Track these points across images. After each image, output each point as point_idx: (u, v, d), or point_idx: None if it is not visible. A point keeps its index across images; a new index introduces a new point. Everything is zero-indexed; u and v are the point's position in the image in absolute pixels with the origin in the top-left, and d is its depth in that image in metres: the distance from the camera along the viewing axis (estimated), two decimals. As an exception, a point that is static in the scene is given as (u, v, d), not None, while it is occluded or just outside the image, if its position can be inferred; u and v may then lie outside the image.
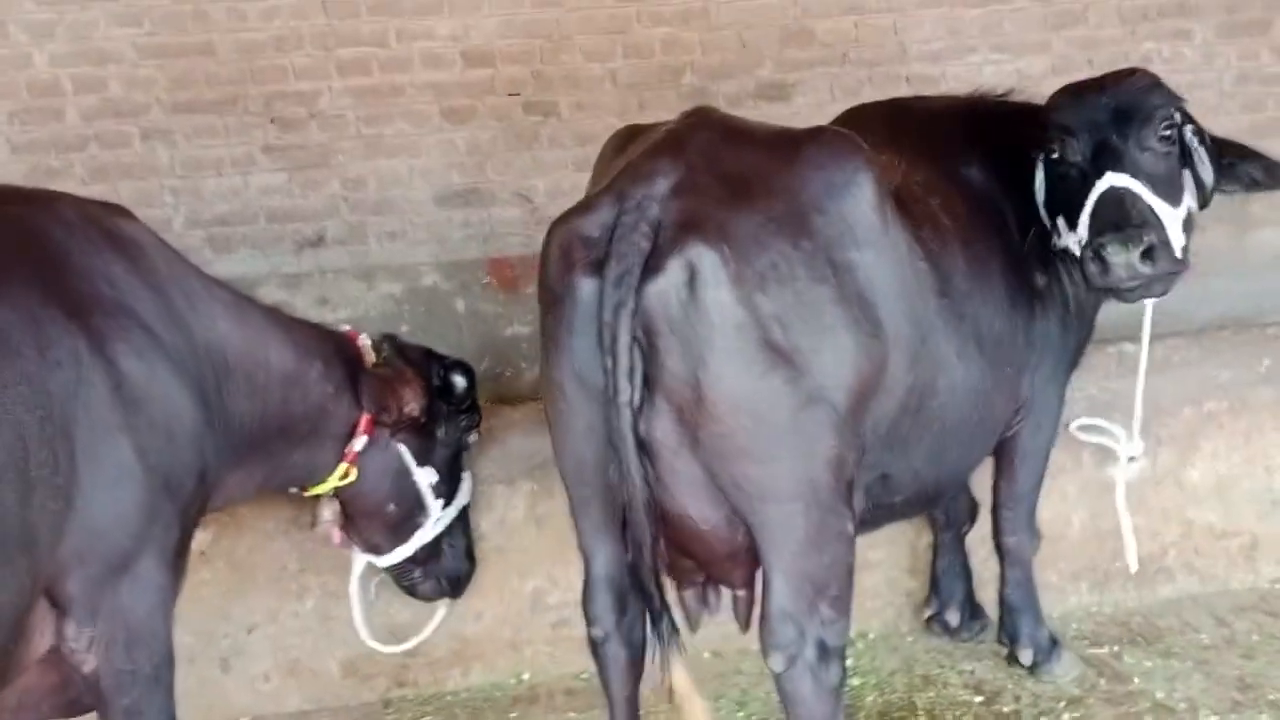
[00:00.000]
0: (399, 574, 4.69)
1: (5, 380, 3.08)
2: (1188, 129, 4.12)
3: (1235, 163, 4.23)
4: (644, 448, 3.44)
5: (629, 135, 4.02)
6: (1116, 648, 5.12)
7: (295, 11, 6.28)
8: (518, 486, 5.10)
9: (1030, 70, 6.68)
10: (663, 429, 3.42)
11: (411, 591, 4.77)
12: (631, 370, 3.35)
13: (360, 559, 4.63)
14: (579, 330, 3.43)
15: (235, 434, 3.80)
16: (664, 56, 6.50)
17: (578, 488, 3.72)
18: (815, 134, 3.77)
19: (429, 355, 4.52)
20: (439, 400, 4.45)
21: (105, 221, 3.63)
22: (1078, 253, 4.06)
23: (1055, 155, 4.16)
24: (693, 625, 4.08)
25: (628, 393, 3.35)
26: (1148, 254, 3.84)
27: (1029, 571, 4.89)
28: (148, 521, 3.41)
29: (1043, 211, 4.26)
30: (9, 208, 3.56)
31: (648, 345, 3.35)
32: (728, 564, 3.74)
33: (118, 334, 3.38)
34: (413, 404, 4.26)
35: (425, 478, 4.44)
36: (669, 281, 3.31)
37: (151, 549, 3.43)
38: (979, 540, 5.19)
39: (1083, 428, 5.11)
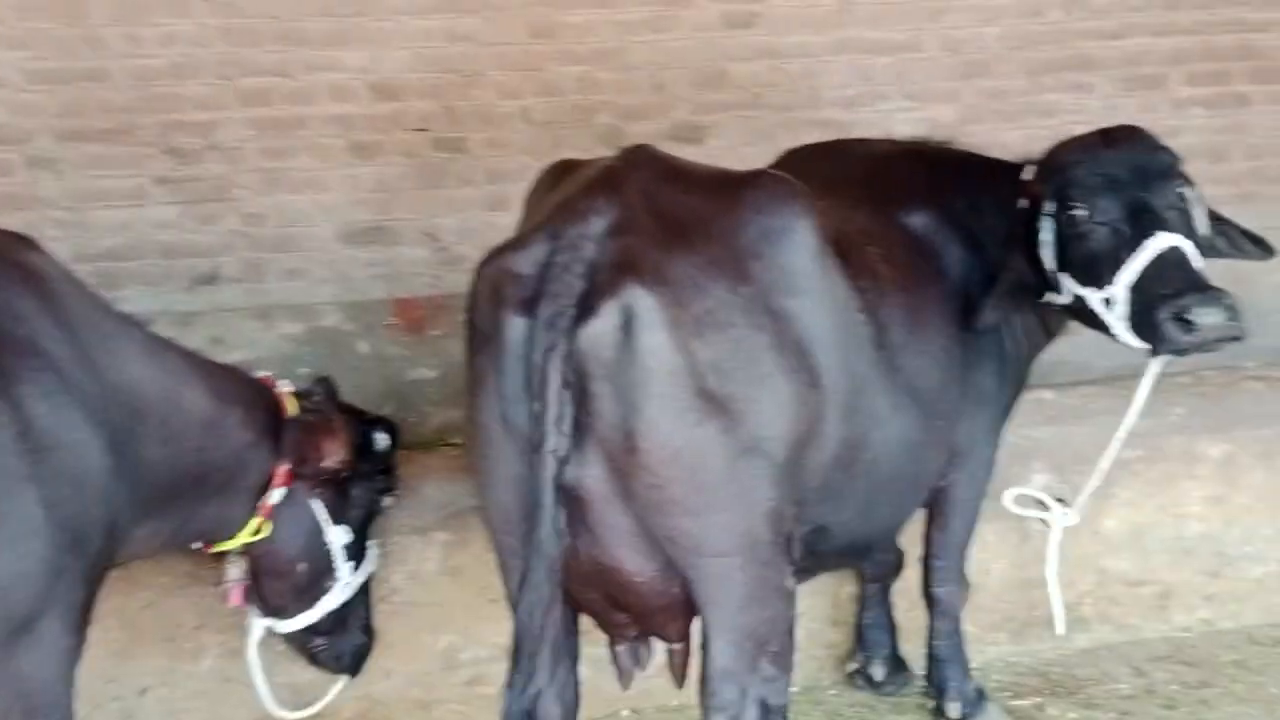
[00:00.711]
0: (300, 643, 4.44)
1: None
2: (1188, 187, 4.08)
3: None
4: (570, 500, 3.30)
5: (562, 170, 3.91)
6: (1039, 699, 5.11)
7: (194, 38, 6.00)
8: (431, 537, 4.86)
9: (941, 118, 6.72)
10: (594, 478, 3.29)
11: (313, 661, 4.52)
12: (560, 417, 3.22)
13: (259, 625, 4.35)
14: (508, 371, 3.29)
15: (146, 484, 3.54)
16: (578, 95, 6.38)
17: (504, 537, 3.54)
18: (755, 177, 3.69)
19: (351, 410, 4.32)
20: (358, 458, 4.23)
21: (11, 252, 3.36)
22: (1099, 309, 4.01)
23: (1080, 212, 4.03)
24: (624, 682, 3.96)
25: (554, 440, 3.22)
26: (1232, 311, 3.79)
27: (958, 623, 4.84)
28: (52, 579, 3.13)
29: (1050, 267, 4.14)
30: None
31: (579, 390, 3.22)
32: (662, 617, 3.63)
33: (26, 375, 3.11)
34: (335, 455, 4.04)
35: (339, 537, 4.20)
36: (603, 324, 3.19)
37: (55, 610, 3.16)
38: (899, 591, 5.14)
39: (1017, 499, 5.05)
